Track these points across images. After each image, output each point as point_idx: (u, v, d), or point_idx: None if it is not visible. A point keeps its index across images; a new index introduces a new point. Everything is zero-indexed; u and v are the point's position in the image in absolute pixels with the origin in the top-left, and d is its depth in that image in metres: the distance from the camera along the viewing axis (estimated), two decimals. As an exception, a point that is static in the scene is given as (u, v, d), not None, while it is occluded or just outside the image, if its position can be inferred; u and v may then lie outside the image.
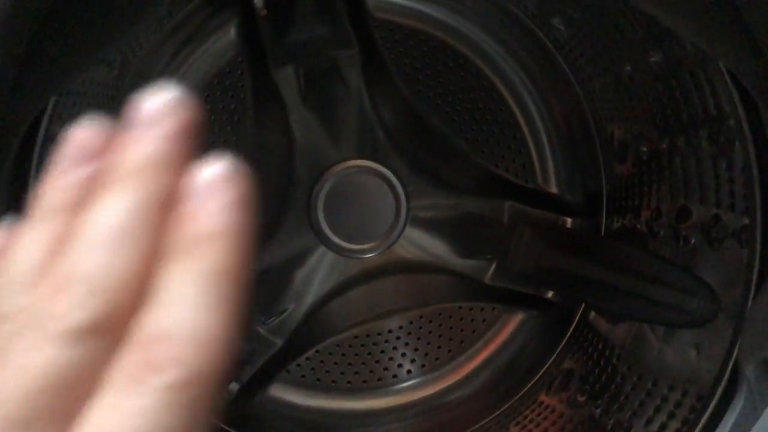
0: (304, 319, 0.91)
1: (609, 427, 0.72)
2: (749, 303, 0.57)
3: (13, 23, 0.43)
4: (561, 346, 0.90)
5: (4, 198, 0.57)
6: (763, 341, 0.52)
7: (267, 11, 0.83)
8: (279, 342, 0.90)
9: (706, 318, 0.63)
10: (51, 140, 0.66)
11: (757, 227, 0.58)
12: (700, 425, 0.56)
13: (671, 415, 0.64)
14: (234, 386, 0.88)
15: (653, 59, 0.68)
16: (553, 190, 0.94)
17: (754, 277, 0.58)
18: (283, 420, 0.92)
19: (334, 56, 0.86)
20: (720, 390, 0.56)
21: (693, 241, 0.68)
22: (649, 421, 0.67)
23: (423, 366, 0.95)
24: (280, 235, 0.89)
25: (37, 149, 0.65)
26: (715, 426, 0.54)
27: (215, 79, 0.88)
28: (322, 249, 0.89)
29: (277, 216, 0.89)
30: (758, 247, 0.58)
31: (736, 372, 0.55)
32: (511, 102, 0.91)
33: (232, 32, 0.87)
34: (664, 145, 0.72)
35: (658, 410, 0.66)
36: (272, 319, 0.90)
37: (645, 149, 0.77)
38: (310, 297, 0.90)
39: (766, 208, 0.57)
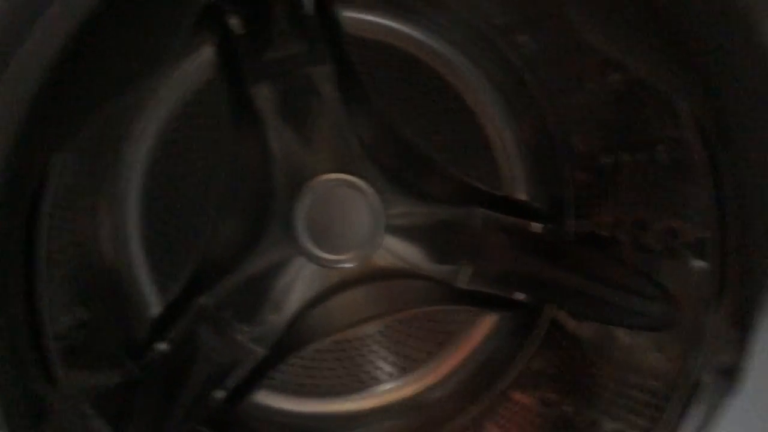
0: (285, 328, 0.94)
1: (580, 424, 0.76)
2: (708, 312, 0.61)
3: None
4: (532, 346, 0.95)
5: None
6: (720, 349, 0.56)
7: (244, 31, 0.86)
8: (261, 350, 0.93)
9: (666, 322, 0.67)
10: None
11: (714, 240, 0.62)
12: (662, 423, 0.61)
13: (638, 413, 0.69)
14: (220, 394, 0.91)
15: (613, 78, 0.73)
16: (522, 197, 0.98)
17: (712, 289, 0.63)
18: (268, 425, 0.96)
19: (309, 72, 0.89)
20: (681, 392, 0.61)
21: (653, 249, 0.73)
22: (617, 419, 0.72)
23: (402, 368, 0.99)
24: (260, 247, 0.92)
25: None
26: (677, 426, 0.59)
27: (194, 97, 0.90)
28: (301, 260, 0.92)
29: (257, 228, 0.92)
30: (716, 259, 0.62)
31: (695, 375, 0.60)
32: (481, 115, 0.96)
33: (210, 52, 0.89)
34: (625, 158, 0.77)
35: (624, 408, 0.71)
36: (255, 328, 0.93)
37: (607, 161, 0.82)
38: (291, 306, 0.93)
39: (722, 221, 0.62)
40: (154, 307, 0.93)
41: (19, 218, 0.56)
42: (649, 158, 0.72)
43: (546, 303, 0.95)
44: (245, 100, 0.87)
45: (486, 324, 0.99)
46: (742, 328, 0.57)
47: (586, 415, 0.76)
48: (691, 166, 0.64)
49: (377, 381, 0.99)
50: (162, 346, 0.89)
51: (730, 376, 0.57)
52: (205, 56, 0.89)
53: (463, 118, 0.97)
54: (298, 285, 0.94)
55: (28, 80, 0.45)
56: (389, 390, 0.98)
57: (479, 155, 0.98)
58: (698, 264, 0.65)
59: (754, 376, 0.55)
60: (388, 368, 0.99)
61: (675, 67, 0.55)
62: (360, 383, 0.98)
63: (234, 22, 0.85)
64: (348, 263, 0.93)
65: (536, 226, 0.97)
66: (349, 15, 0.91)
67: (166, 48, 0.63)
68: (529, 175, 0.97)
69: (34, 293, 0.61)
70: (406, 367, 0.99)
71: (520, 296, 0.97)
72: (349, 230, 0.92)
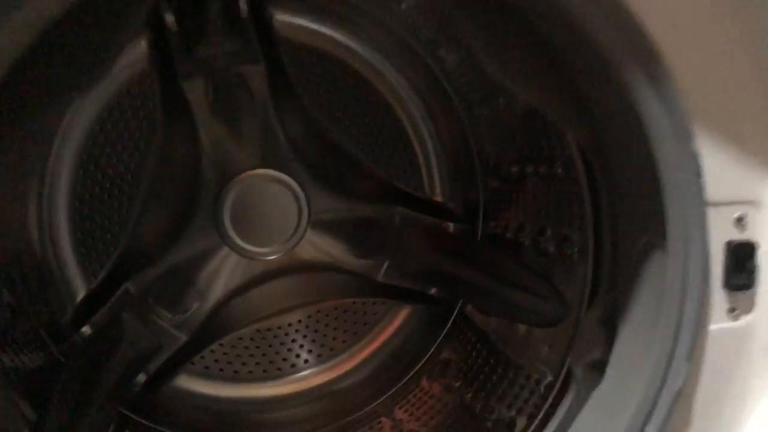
0: (208, 316, 0.97)
1: (477, 410, 0.84)
2: (583, 313, 0.70)
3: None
4: (441, 337, 1.02)
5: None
6: (590, 347, 0.64)
7: (178, 27, 0.88)
8: (184, 337, 0.96)
9: (556, 320, 0.75)
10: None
11: (589, 247, 0.71)
12: (544, 409, 0.69)
13: (526, 400, 0.77)
14: (141, 377, 0.94)
15: (521, 97, 0.80)
16: (438, 198, 1.05)
17: (587, 291, 0.71)
18: (188, 408, 0.99)
19: (241, 71, 0.91)
20: (559, 382, 0.69)
21: (550, 252, 0.81)
22: (509, 406, 0.79)
23: (319, 356, 1.05)
24: (186, 237, 0.95)
25: None
26: (554, 411, 0.67)
27: (125, 88, 0.92)
28: (226, 250, 0.96)
29: (183, 219, 0.95)
30: (590, 263, 0.71)
31: (570, 367, 0.68)
32: (404, 120, 1.02)
33: (142, 45, 0.91)
34: (530, 170, 0.85)
35: (516, 396, 0.79)
36: (178, 315, 0.96)
37: (514, 171, 0.89)
38: (214, 295, 0.97)
39: (599, 233, 0.70)
40: (80, 292, 0.95)
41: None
42: (548, 172, 0.80)
43: (456, 298, 1.02)
44: (177, 94, 0.89)
45: (401, 316, 1.06)
46: (609, 328, 0.65)
47: (483, 401, 0.84)
48: (576, 182, 0.72)
49: (295, 368, 1.04)
50: (85, 330, 0.92)
51: (597, 369, 0.65)
52: (137, 49, 0.90)
53: (387, 122, 1.02)
54: (222, 275, 0.97)
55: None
56: (306, 376, 1.04)
57: (401, 158, 1.03)
58: (581, 269, 0.73)
59: (613, 368, 0.64)
60: (306, 356, 1.04)
61: (562, 101, 0.62)
62: (278, 370, 1.03)
63: (169, 18, 0.87)
64: (271, 255, 0.97)
65: (450, 226, 1.04)
66: (283, 19, 0.94)
67: (110, 45, 0.65)
68: (446, 178, 1.04)
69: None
70: (322, 355, 1.04)
71: (433, 291, 1.05)
72: (273, 223, 0.97)
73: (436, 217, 1.03)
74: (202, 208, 0.94)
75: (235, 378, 1.01)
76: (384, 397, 0.99)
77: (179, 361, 0.97)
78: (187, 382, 0.99)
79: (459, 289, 0.99)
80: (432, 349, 1.02)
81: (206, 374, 1.00)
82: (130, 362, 0.91)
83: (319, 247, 1.01)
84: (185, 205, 0.94)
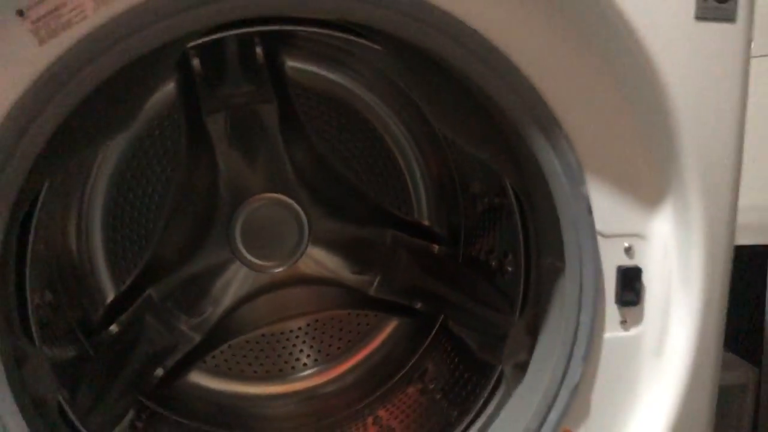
0: (219, 320, 1.11)
1: (444, 409, 0.97)
2: (514, 322, 0.83)
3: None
4: (424, 347, 1.15)
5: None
6: (517, 351, 0.77)
7: (203, 71, 1.02)
8: (198, 337, 1.10)
9: (508, 332, 0.88)
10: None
11: (522, 267, 0.84)
12: (478, 404, 0.83)
13: (474, 400, 0.90)
14: (159, 372, 1.08)
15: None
16: (426, 222, 1.18)
17: (519, 304, 0.84)
18: (198, 400, 1.13)
19: (256, 108, 1.05)
20: (493, 382, 0.82)
21: (507, 272, 0.94)
22: (457, 404, 0.92)
23: (316, 360, 1.18)
24: (203, 251, 1.09)
25: None
26: (485, 407, 0.80)
27: (155, 123, 1.06)
28: (236, 263, 1.09)
29: (201, 235, 1.09)
30: (522, 281, 0.84)
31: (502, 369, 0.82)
32: (397, 153, 1.15)
33: (169, 86, 1.05)
34: (496, 201, 0.98)
35: (475, 399, 0.92)
36: (193, 319, 1.10)
37: (486, 201, 1.03)
38: (226, 302, 1.11)
39: (527, 256, 0.83)
40: (109, 295, 1.09)
41: (17, 222, 0.73)
42: (508, 202, 0.93)
43: (438, 312, 1.15)
44: (200, 127, 1.03)
45: (389, 327, 1.19)
46: (533, 335, 0.78)
47: (456, 405, 0.97)
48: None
49: (295, 370, 1.17)
50: (113, 328, 1.06)
51: (522, 368, 0.78)
52: (165, 90, 1.05)
53: (382, 154, 1.16)
54: (233, 284, 1.11)
55: (44, 129, 0.62)
56: (302, 377, 1.17)
57: (394, 186, 1.17)
58: (519, 287, 0.86)
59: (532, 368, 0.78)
60: (305, 360, 1.18)
61: (497, 150, 0.75)
62: (279, 371, 1.17)
63: (196, 63, 1.02)
64: (276, 268, 1.11)
65: (436, 248, 1.17)
66: (294, 65, 1.09)
67: (142, 92, 0.80)
68: (433, 204, 1.17)
69: (23, 277, 0.78)
70: (319, 359, 1.18)
71: (418, 305, 1.18)
72: (278, 241, 1.10)
73: (424, 240, 1.16)
74: (217, 226, 1.07)
75: (241, 376, 1.14)
76: (370, 399, 1.12)
77: (192, 359, 1.10)
78: (199, 378, 1.13)
79: (440, 304, 1.12)
80: (415, 357, 1.14)
81: (215, 372, 1.14)
82: (149, 357, 1.04)
83: (319, 262, 1.14)
84: (202, 223, 1.07)
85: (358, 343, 1.19)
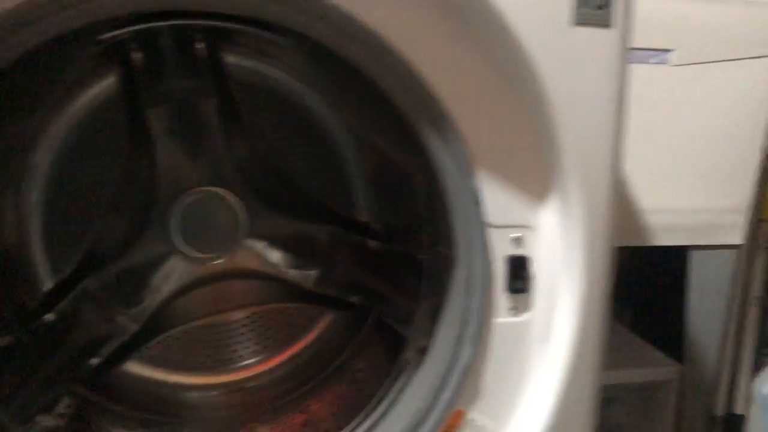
0: (157, 310, 1.12)
1: (371, 403, 1.00)
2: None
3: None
4: (359, 339, 1.18)
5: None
6: (419, 337, 0.81)
7: (145, 65, 1.04)
8: (135, 327, 1.11)
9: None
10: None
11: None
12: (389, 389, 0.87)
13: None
14: (95, 360, 1.09)
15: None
16: (363, 219, 1.21)
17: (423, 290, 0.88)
18: (134, 390, 1.14)
19: (197, 102, 1.07)
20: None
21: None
22: (384, 391, 0.95)
23: (253, 352, 1.20)
24: (141, 242, 1.10)
25: None
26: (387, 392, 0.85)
27: (94, 113, 1.08)
28: (175, 255, 1.11)
29: (139, 226, 1.10)
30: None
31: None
32: (336, 150, 1.18)
33: (111, 79, 1.07)
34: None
35: (385, 387, 0.95)
36: (130, 308, 1.11)
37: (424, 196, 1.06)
38: (163, 293, 1.12)
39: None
40: (47, 284, 1.10)
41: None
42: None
43: (372, 306, 1.18)
44: (140, 121, 1.05)
45: (326, 320, 1.22)
46: (433, 320, 0.82)
47: (370, 391, 1.00)
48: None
49: (230, 361, 1.19)
50: (48, 317, 1.07)
51: (422, 353, 0.82)
52: (105, 82, 1.07)
53: (323, 150, 1.19)
54: (172, 276, 1.13)
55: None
56: (238, 368, 1.19)
57: (333, 182, 1.20)
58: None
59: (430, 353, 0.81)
60: (240, 351, 1.20)
61: (408, 152, 0.79)
62: (216, 361, 1.19)
63: (137, 57, 1.04)
64: (214, 260, 1.13)
65: (372, 244, 1.20)
66: (233, 60, 1.11)
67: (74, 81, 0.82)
68: (371, 202, 1.20)
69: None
70: (256, 351, 1.20)
71: (355, 299, 1.21)
72: (216, 234, 1.12)
73: (361, 236, 1.19)
74: (155, 218, 1.09)
75: (178, 366, 1.16)
76: (302, 390, 1.15)
77: (130, 349, 1.11)
78: (136, 367, 1.15)
79: (375, 298, 1.15)
80: (349, 349, 1.17)
81: (152, 361, 1.16)
82: (83, 346, 1.06)
83: (258, 256, 1.16)
84: (141, 215, 1.09)
85: (296, 336, 1.21)
